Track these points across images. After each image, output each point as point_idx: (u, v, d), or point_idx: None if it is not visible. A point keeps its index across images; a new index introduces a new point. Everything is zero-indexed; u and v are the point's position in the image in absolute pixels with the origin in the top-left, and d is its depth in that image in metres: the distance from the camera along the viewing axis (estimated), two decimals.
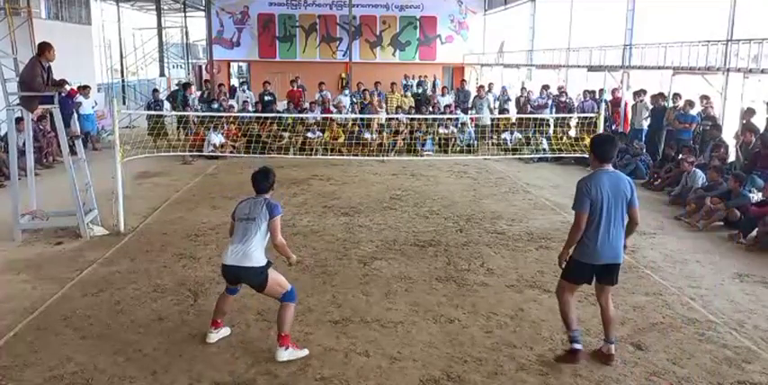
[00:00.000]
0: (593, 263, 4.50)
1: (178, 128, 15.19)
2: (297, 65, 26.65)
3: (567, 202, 10.04)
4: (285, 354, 4.66)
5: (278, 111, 16.45)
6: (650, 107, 13.33)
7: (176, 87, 18.27)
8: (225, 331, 5.05)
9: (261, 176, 4.88)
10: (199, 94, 16.68)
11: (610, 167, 4.50)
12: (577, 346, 4.61)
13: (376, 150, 13.94)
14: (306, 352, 4.76)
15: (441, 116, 15.43)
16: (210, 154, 13.61)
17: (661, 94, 13.35)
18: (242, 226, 4.69)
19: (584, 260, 4.52)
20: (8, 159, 8.78)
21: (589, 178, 4.47)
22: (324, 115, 15.29)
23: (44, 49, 7.57)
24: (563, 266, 4.66)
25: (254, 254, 4.62)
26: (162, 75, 26.50)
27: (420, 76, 24.12)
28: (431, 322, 5.42)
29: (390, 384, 4.41)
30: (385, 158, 13.20)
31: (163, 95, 18.49)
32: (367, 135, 14.71)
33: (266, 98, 17.13)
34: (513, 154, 13.30)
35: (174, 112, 15.17)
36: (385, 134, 14.87)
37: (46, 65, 7.58)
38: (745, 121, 10.91)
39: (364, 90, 17.77)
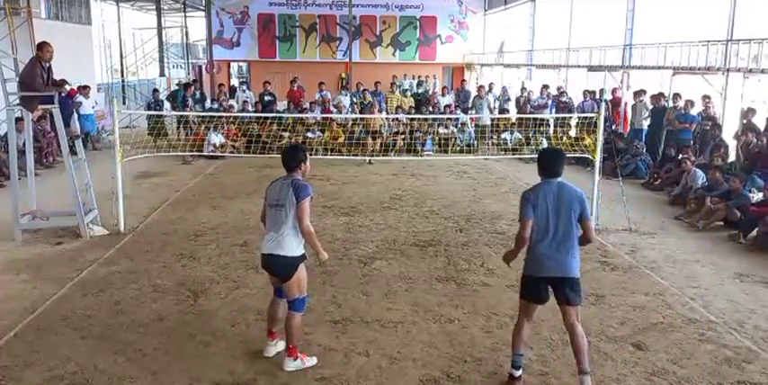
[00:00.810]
0: (538, 275, 4.27)
1: (178, 128, 15.19)
2: (297, 65, 26.65)
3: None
4: (293, 365, 4.50)
5: (278, 112, 16.47)
6: (650, 107, 13.33)
7: (176, 87, 18.26)
8: (282, 344, 4.69)
9: (288, 154, 4.61)
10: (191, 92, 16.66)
11: (556, 180, 4.31)
12: (516, 373, 4.35)
13: (376, 151, 13.94)
14: (314, 360, 4.59)
15: (441, 116, 15.43)
16: (210, 154, 13.61)
17: (661, 94, 13.35)
18: (273, 213, 4.49)
19: (528, 273, 4.33)
20: (8, 159, 8.79)
21: (532, 190, 4.35)
22: (324, 115, 15.29)
23: (38, 48, 7.58)
24: (510, 264, 4.60)
25: (288, 242, 4.41)
26: (162, 75, 26.49)
27: (419, 77, 24.13)
28: (431, 322, 5.42)
29: (390, 384, 4.41)
30: (372, 159, 13.26)
31: (163, 95, 18.49)
32: (383, 131, 14.71)
33: (266, 98, 17.13)
34: (513, 154, 13.31)
35: (173, 112, 15.16)
36: (385, 133, 14.87)
37: (46, 65, 7.58)
38: (745, 121, 10.92)
39: (364, 90, 17.76)
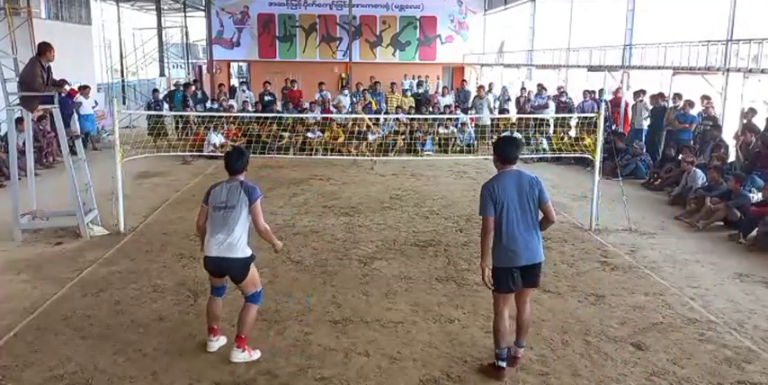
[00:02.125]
0: (513, 266, 4.32)
1: (177, 128, 15.18)
2: (297, 65, 26.66)
3: (567, 202, 10.07)
4: (241, 356, 4.58)
5: (278, 111, 16.47)
6: (650, 107, 13.33)
7: (173, 87, 18.26)
8: (223, 340, 4.85)
9: (235, 155, 4.63)
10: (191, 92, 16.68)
11: (513, 168, 4.41)
12: (502, 364, 4.43)
13: (376, 150, 13.93)
14: (258, 354, 4.67)
15: (441, 116, 15.43)
16: (210, 154, 13.61)
17: (661, 94, 13.35)
18: (221, 215, 4.49)
19: (503, 265, 4.33)
20: (8, 159, 8.79)
21: (492, 181, 4.38)
22: (324, 115, 15.29)
23: (44, 49, 7.58)
24: (490, 282, 4.35)
25: (240, 244, 4.48)
26: (162, 75, 26.49)
27: (420, 77, 24.13)
28: (431, 322, 5.42)
29: (390, 384, 4.41)
30: (376, 158, 13.24)
31: (163, 95, 18.49)
32: (369, 136, 14.70)
33: (266, 98, 17.14)
34: None
35: (172, 113, 15.15)
36: (371, 137, 14.85)
37: (46, 65, 7.58)
38: (745, 121, 10.92)
39: (364, 90, 17.77)
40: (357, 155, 13.60)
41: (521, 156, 13.17)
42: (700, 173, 9.96)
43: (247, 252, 4.54)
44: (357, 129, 14.37)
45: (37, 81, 7.40)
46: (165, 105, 16.28)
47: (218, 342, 4.82)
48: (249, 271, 4.57)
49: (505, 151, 4.43)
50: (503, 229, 4.30)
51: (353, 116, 14.89)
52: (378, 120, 15.26)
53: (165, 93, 16.94)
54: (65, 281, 6.32)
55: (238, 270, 4.54)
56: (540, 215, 4.42)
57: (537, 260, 4.38)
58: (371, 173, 12.61)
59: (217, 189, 4.59)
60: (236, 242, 4.46)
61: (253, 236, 4.63)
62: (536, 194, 4.34)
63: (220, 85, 18.82)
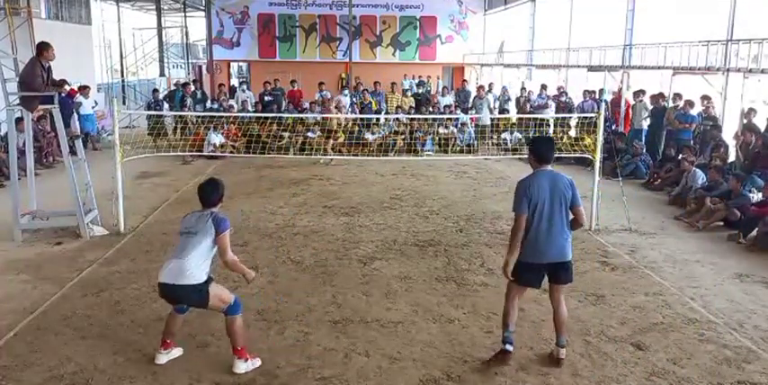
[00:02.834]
0: (539, 262, 4.47)
1: (175, 128, 15.18)
2: (297, 65, 26.65)
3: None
4: (243, 366, 4.46)
5: (284, 110, 16.48)
6: (650, 107, 13.33)
7: (174, 87, 18.27)
8: (176, 352, 4.68)
9: (209, 188, 4.47)
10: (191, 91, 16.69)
11: (548, 167, 4.54)
12: (509, 347, 4.58)
13: (376, 150, 13.94)
14: (259, 362, 4.56)
15: (441, 116, 15.43)
16: (210, 154, 13.61)
17: (661, 94, 13.35)
18: (182, 239, 4.35)
19: (529, 260, 4.47)
20: (8, 159, 8.78)
21: (528, 179, 4.49)
22: (324, 115, 15.28)
23: (43, 48, 7.58)
24: (510, 276, 4.52)
25: (192, 271, 4.26)
26: (162, 75, 26.50)
27: (420, 77, 24.14)
28: (431, 322, 5.42)
29: (390, 384, 4.41)
30: (325, 158, 13.29)
31: (163, 95, 18.50)
32: (368, 135, 14.71)
33: (266, 98, 17.14)
34: (513, 154, 13.31)
35: (172, 113, 15.15)
36: (381, 131, 14.84)
37: (46, 65, 7.58)
38: (745, 121, 10.92)
39: (364, 90, 17.77)
40: (395, 148, 13.90)
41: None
42: (700, 173, 9.97)
43: (200, 278, 4.30)
44: (327, 127, 14.13)
45: (37, 81, 7.40)
46: (166, 105, 16.29)
47: (169, 355, 4.62)
48: (208, 295, 4.33)
49: (541, 151, 4.56)
50: (533, 227, 4.42)
51: (332, 115, 14.81)
52: (341, 123, 15.02)
53: (166, 93, 16.94)
54: (65, 281, 6.32)
55: (193, 297, 4.34)
56: (570, 216, 4.53)
57: (564, 259, 4.51)
58: (371, 172, 12.61)
59: (188, 217, 4.48)
60: (189, 268, 4.25)
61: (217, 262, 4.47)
62: (569, 196, 4.46)
63: (220, 84, 18.82)
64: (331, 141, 13.92)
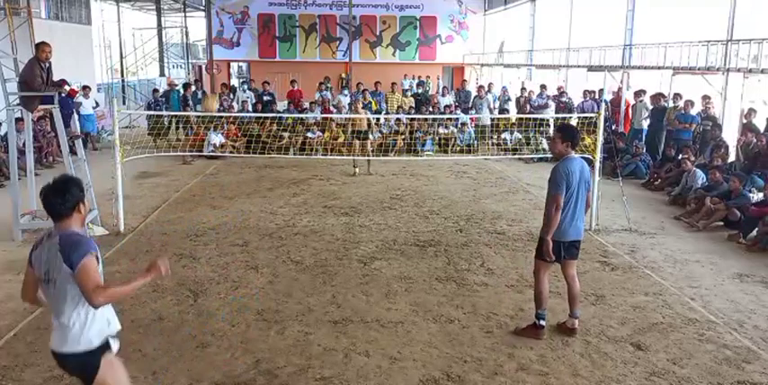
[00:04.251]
0: (564, 240, 4.94)
1: (176, 128, 15.16)
2: (297, 65, 26.66)
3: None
4: None
5: (278, 111, 16.47)
6: (650, 107, 13.34)
7: (168, 87, 18.24)
8: None
9: (53, 193, 3.07)
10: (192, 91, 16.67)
11: (576, 155, 5.02)
12: (543, 323, 5.05)
13: (376, 150, 13.93)
14: None
15: (441, 116, 15.43)
16: (210, 154, 13.62)
17: (661, 94, 13.35)
18: (47, 290, 3.09)
19: (555, 239, 4.90)
20: (8, 159, 8.79)
21: (565, 165, 4.89)
22: (324, 115, 15.29)
23: (37, 48, 7.59)
24: (550, 254, 4.92)
25: (75, 332, 3.02)
26: (162, 75, 26.49)
27: (420, 77, 24.12)
28: (431, 322, 5.42)
29: (390, 384, 4.41)
30: (384, 158, 13.18)
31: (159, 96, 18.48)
32: (369, 136, 14.69)
33: (265, 98, 17.14)
34: (513, 154, 13.31)
35: (172, 113, 15.14)
36: (372, 136, 14.82)
37: (45, 65, 7.58)
38: (745, 122, 10.92)
39: (364, 90, 17.77)
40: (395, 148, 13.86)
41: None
42: (700, 173, 9.97)
43: (93, 343, 3.06)
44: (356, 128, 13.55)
45: (36, 81, 7.40)
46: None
47: None
48: (98, 369, 3.09)
49: (576, 137, 5.03)
50: (565, 210, 4.86)
51: (343, 116, 14.80)
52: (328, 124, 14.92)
53: (161, 93, 16.93)
54: None
55: (80, 368, 3.12)
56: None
57: (580, 237, 5.06)
58: (371, 172, 12.60)
59: (38, 251, 3.10)
60: (68, 329, 3.03)
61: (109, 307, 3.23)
62: (588, 180, 5.03)
63: (223, 84, 18.81)
64: (358, 142, 12.98)
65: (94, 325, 3.07)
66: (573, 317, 5.13)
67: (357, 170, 12.38)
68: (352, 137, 13.24)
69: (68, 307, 3.02)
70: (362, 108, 14.58)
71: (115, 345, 3.19)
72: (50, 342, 3.11)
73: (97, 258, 3.03)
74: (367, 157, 12.48)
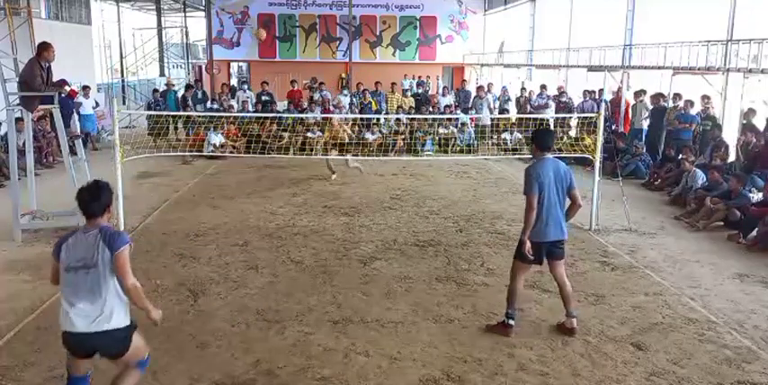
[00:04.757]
0: (543, 240, 4.97)
1: (176, 129, 15.14)
2: (297, 65, 26.65)
3: (566, 202, 10.05)
4: None
5: (277, 111, 16.47)
6: (650, 107, 13.33)
7: (164, 87, 18.23)
8: None
9: (89, 194, 3.54)
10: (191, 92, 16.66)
11: (550, 155, 5.09)
12: (512, 322, 5.11)
13: (376, 150, 13.94)
14: None
15: (441, 116, 15.43)
16: (210, 154, 13.62)
17: (661, 94, 13.35)
18: (79, 278, 3.44)
19: (534, 240, 4.94)
20: (8, 159, 8.79)
21: (535, 165, 5.00)
22: (324, 115, 15.29)
23: (42, 49, 7.58)
24: (530, 253, 4.95)
25: (115, 312, 3.46)
26: (162, 75, 26.49)
27: (420, 77, 24.12)
28: (431, 322, 5.42)
29: (390, 384, 4.41)
30: (385, 158, 13.16)
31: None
32: (367, 135, 14.71)
33: (264, 98, 17.14)
34: (513, 154, 13.30)
35: (172, 113, 15.13)
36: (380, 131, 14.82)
37: (45, 65, 7.58)
38: (745, 122, 10.92)
39: (364, 90, 17.78)
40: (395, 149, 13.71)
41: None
42: (700, 173, 9.96)
43: (127, 320, 3.53)
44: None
45: (36, 81, 7.40)
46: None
47: None
48: (131, 341, 3.56)
49: (543, 139, 5.12)
50: (542, 211, 4.90)
51: (338, 116, 14.71)
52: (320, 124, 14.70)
53: (159, 93, 16.92)
54: None
55: (116, 344, 3.53)
56: (567, 201, 5.08)
57: (563, 236, 5.06)
58: (371, 172, 12.60)
59: (70, 241, 3.52)
60: (107, 311, 3.43)
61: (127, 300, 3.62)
62: (568, 180, 5.02)
63: (223, 84, 18.79)
64: (335, 152, 11.89)
65: (124, 306, 3.53)
66: (570, 317, 5.16)
67: (334, 176, 11.78)
68: (331, 147, 12.03)
69: (105, 288, 3.43)
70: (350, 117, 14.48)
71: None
72: (70, 325, 3.45)
73: (131, 248, 3.56)
74: (344, 157, 11.73)
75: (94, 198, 3.54)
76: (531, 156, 5.07)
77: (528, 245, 4.92)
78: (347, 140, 11.95)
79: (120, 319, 3.49)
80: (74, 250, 3.49)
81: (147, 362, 3.78)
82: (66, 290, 3.51)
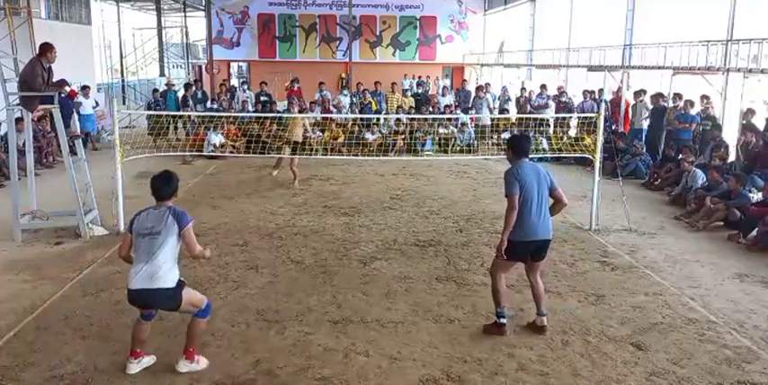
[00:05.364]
0: (529, 239, 5.00)
1: (176, 129, 15.13)
2: (297, 65, 26.65)
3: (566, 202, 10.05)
4: (186, 367, 4.44)
5: (278, 111, 16.46)
6: (650, 107, 13.33)
7: (165, 87, 18.25)
8: (147, 360, 4.55)
9: (161, 181, 4.35)
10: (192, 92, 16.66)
11: (526, 159, 5.14)
12: (503, 320, 5.13)
13: (376, 150, 13.94)
14: (205, 363, 4.52)
15: (441, 116, 15.43)
16: (210, 154, 13.61)
17: (661, 94, 13.35)
18: (145, 242, 4.22)
19: (519, 239, 4.98)
20: (8, 159, 8.79)
21: (513, 168, 5.07)
22: (324, 115, 15.29)
23: (45, 49, 7.58)
24: (503, 254, 5.01)
25: (165, 273, 4.19)
26: (162, 75, 26.47)
27: (420, 77, 24.12)
28: (431, 322, 5.42)
29: (390, 384, 4.41)
30: (384, 158, 13.15)
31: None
32: (368, 135, 14.71)
33: (262, 98, 17.13)
34: None
35: (172, 113, 15.13)
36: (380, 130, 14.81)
37: (46, 65, 7.57)
38: (745, 122, 10.92)
39: (364, 90, 17.77)
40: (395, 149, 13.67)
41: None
42: (700, 173, 9.96)
43: (173, 281, 4.25)
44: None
45: (37, 81, 7.39)
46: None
47: (140, 364, 4.49)
48: (182, 298, 4.28)
49: (520, 145, 5.19)
50: (525, 210, 4.95)
51: (340, 116, 14.72)
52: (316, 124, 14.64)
53: (159, 93, 16.92)
54: (65, 281, 6.32)
55: (166, 301, 4.29)
56: (550, 201, 5.13)
57: (549, 236, 5.11)
58: (371, 172, 12.61)
59: (142, 215, 4.34)
60: (159, 271, 4.17)
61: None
62: (549, 181, 5.09)
63: (222, 84, 18.77)
64: (288, 149, 11.15)
65: (175, 269, 4.27)
66: (540, 315, 5.19)
67: (275, 172, 11.39)
68: (288, 145, 11.25)
69: (163, 254, 4.18)
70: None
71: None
72: (133, 282, 4.20)
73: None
74: (291, 156, 11.14)
75: (165, 184, 4.33)
76: (531, 155, 5.12)
77: (505, 244, 4.97)
78: (301, 139, 11.30)
79: (168, 280, 4.18)
80: (144, 221, 4.26)
81: (207, 310, 4.43)
82: (135, 254, 4.30)
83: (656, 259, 7.26)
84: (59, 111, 7.84)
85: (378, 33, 28.07)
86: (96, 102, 16.50)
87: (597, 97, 15.18)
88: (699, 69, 12.60)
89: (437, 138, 15.14)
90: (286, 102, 16.45)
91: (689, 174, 10.12)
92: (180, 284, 4.29)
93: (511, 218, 4.93)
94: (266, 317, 5.45)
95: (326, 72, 24.97)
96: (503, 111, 16.82)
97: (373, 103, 17.24)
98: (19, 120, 8.63)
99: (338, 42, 27.78)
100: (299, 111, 16.19)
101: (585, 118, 11.56)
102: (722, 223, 8.56)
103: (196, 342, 4.48)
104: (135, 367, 4.48)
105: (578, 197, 10.34)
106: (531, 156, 5.34)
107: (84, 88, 15.38)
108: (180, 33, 29.55)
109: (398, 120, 15.46)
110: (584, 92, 15.70)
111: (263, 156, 11.90)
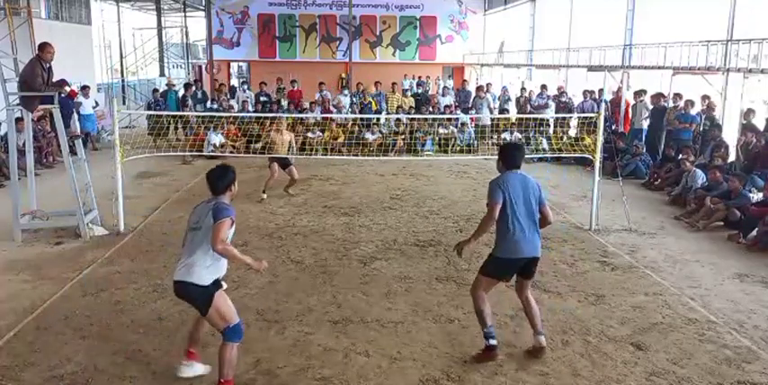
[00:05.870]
0: (515, 257, 4.64)
1: (175, 128, 15.12)
2: (297, 65, 26.65)
3: (566, 202, 10.06)
4: None
5: (280, 108, 16.47)
6: (650, 107, 13.33)
7: (165, 87, 18.25)
8: (200, 369, 4.38)
9: (216, 175, 4.28)
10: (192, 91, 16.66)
11: (517, 171, 4.81)
12: (493, 342, 4.66)
13: (376, 150, 13.94)
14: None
15: (441, 116, 15.43)
16: (210, 154, 13.61)
17: (661, 94, 13.35)
18: (189, 236, 4.16)
19: (506, 256, 4.66)
20: (8, 159, 8.78)
21: (499, 177, 4.79)
22: (324, 115, 15.29)
23: (41, 48, 7.58)
24: (461, 255, 4.90)
25: (198, 269, 4.02)
26: (162, 75, 26.47)
27: (420, 77, 24.12)
28: (431, 322, 5.42)
29: (390, 384, 4.41)
30: (384, 158, 13.15)
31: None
32: (368, 135, 14.71)
33: (262, 98, 17.13)
34: None
35: (172, 113, 15.12)
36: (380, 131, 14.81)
37: (46, 65, 7.57)
38: (745, 122, 10.92)
39: (363, 90, 17.77)
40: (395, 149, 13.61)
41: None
42: (700, 173, 9.96)
43: (206, 281, 4.04)
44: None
45: (37, 81, 7.39)
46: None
47: (192, 368, 4.35)
48: (211, 303, 4.03)
49: (514, 157, 4.85)
50: (511, 225, 4.62)
51: (340, 116, 14.71)
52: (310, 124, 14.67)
53: (159, 93, 16.91)
54: (65, 281, 6.32)
55: (194, 297, 4.07)
56: (538, 216, 4.76)
57: (537, 254, 4.73)
58: (371, 172, 12.60)
59: (196, 209, 4.28)
60: (194, 266, 4.03)
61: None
62: (538, 195, 4.72)
63: (221, 84, 18.77)
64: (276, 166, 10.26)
65: (214, 269, 4.09)
66: (538, 335, 4.78)
67: (265, 196, 10.12)
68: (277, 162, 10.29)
69: (200, 249, 4.04)
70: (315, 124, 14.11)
71: (224, 285, 4.24)
72: (174, 274, 4.10)
73: (233, 222, 4.09)
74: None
75: (219, 178, 4.27)
76: (531, 156, 5.04)
77: (467, 247, 4.83)
78: (285, 154, 10.22)
79: (198, 277, 4.02)
80: (194, 214, 4.22)
81: (235, 333, 4.09)
82: (184, 247, 4.23)
83: (656, 259, 7.26)
84: (59, 111, 7.84)
85: (378, 33, 28.06)
86: (96, 103, 16.50)
87: (597, 97, 15.17)
88: (699, 69, 12.60)
89: (437, 138, 15.13)
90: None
91: (689, 174, 10.12)
92: (215, 286, 4.10)
93: (486, 225, 4.66)
94: (266, 317, 5.45)
95: (326, 72, 24.96)
96: (503, 111, 16.81)
97: (373, 103, 17.25)
98: (19, 120, 8.63)
99: (338, 42, 27.77)
100: (300, 111, 16.24)
101: (585, 118, 11.55)
102: (722, 223, 8.56)
103: (225, 371, 4.07)
104: (186, 370, 4.33)
105: (578, 197, 10.35)
106: (531, 156, 5.26)
107: (84, 88, 15.38)
108: (180, 33, 29.55)
109: (398, 120, 15.46)
110: (585, 92, 15.70)
111: (263, 156, 11.90)
